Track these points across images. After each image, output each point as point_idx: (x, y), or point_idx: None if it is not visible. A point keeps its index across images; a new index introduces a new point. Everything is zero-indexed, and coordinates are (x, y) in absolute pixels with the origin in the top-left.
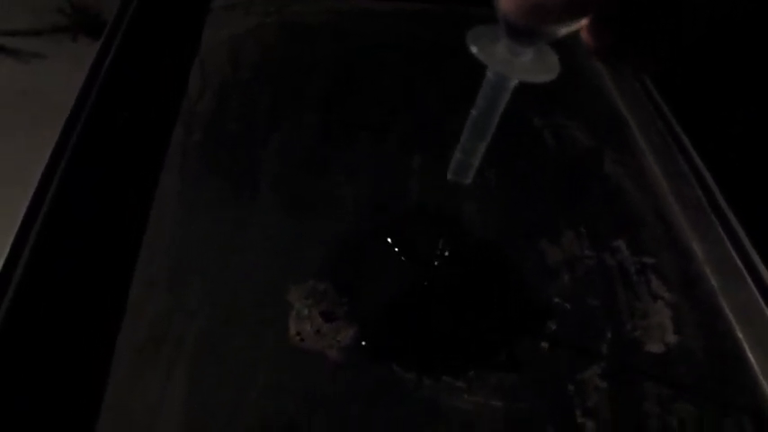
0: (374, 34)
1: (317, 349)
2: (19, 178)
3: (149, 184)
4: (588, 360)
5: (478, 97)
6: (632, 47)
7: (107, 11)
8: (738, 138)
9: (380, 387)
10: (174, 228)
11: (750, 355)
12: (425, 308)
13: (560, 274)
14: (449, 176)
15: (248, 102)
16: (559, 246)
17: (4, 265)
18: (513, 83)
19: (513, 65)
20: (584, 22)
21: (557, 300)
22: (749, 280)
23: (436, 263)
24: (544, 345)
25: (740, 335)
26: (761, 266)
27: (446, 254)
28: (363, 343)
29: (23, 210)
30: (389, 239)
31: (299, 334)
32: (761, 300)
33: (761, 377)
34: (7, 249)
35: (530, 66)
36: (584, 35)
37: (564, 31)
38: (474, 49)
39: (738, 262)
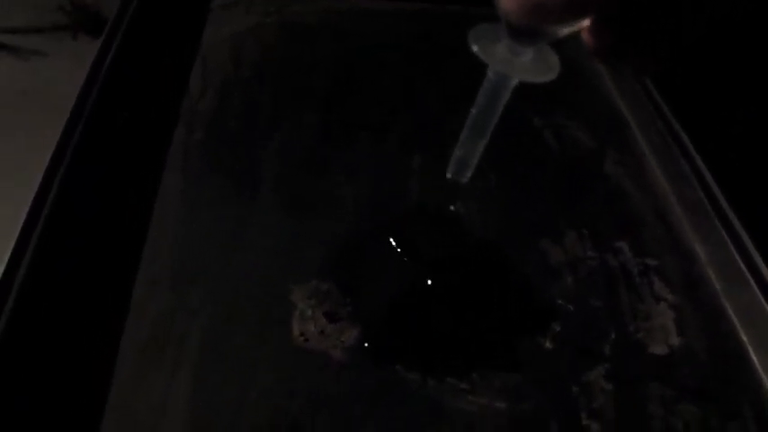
0: (374, 34)
1: (321, 349)
2: (20, 177)
3: (151, 182)
4: (592, 361)
5: (479, 96)
6: (632, 47)
7: (107, 9)
8: (740, 138)
9: (384, 388)
10: (176, 226)
11: (753, 357)
12: (429, 309)
13: (563, 275)
14: (448, 175)
15: (249, 100)
16: (562, 246)
17: (7, 266)
18: (514, 82)
19: (513, 64)
20: (585, 22)
21: (560, 301)
22: (752, 282)
23: (439, 264)
24: (548, 346)
25: (743, 336)
26: (763, 268)
27: (448, 255)
28: (366, 344)
29: (26, 210)
30: (392, 240)
31: (302, 334)
32: (764, 301)
33: (764, 378)
34: (10, 250)
35: (530, 66)
36: (585, 35)
37: (565, 31)
38: (475, 48)
39: (741, 264)
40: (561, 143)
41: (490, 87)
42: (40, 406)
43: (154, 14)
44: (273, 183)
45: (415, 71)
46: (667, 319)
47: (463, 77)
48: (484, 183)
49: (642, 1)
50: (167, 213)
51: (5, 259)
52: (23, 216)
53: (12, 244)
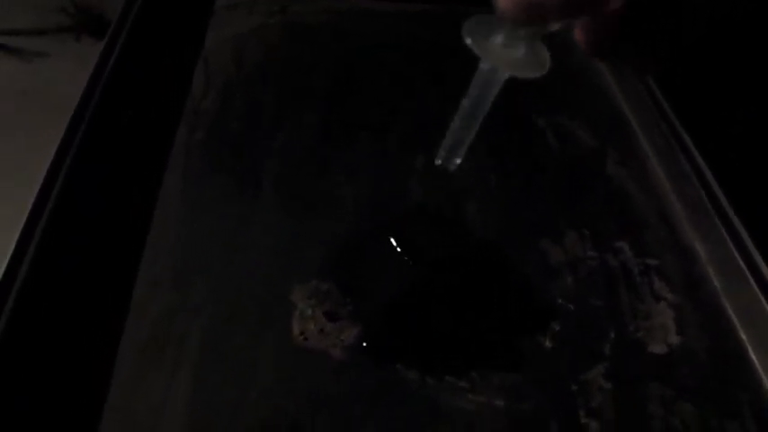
0: (375, 34)
1: (321, 349)
2: (20, 178)
3: (153, 183)
4: (591, 361)
5: (471, 87)
6: (632, 47)
7: (110, 10)
8: (741, 138)
9: (384, 387)
10: (177, 227)
11: (753, 356)
12: (429, 308)
13: (563, 274)
14: (437, 161)
15: (251, 101)
16: (562, 246)
17: (8, 265)
18: (505, 76)
19: (505, 59)
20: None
21: (560, 300)
22: (752, 281)
23: (439, 263)
24: (547, 345)
25: (743, 336)
26: (763, 267)
27: (448, 254)
28: (364, 344)
29: (27, 209)
30: (392, 240)
31: (302, 333)
32: (763, 300)
33: (764, 377)
34: (11, 249)
35: (522, 61)
36: (577, 33)
37: (561, 24)
38: (468, 41)
39: (741, 263)
40: (562, 143)
41: (482, 79)
42: (40, 406)
43: (157, 16)
44: (274, 183)
45: (416, 71)
46: (667, 318)
47: (463, 77)
48: (485, 183)
49: (642, 1)
50: (168, 213)
51: (6, 259)
52: (24, 216)
53: (13, 244)
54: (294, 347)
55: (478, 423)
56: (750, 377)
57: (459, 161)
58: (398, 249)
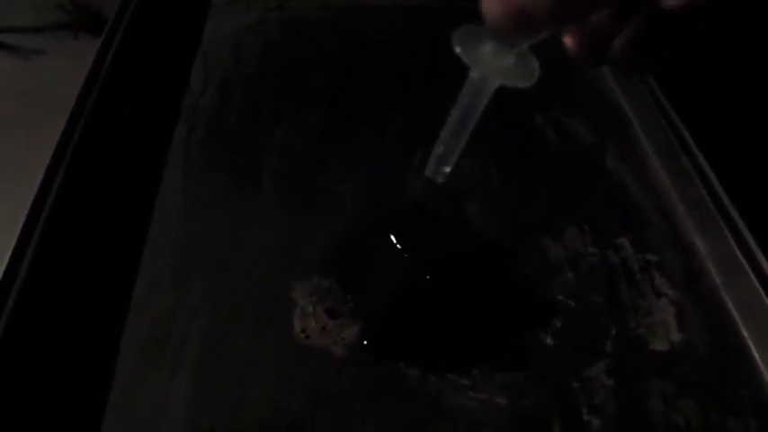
0: (373, 30)
1: (322, 346)
2: (20, 177)
3: (152, 180)
4: (593, 357)
5: (460, 96)
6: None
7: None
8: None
9: (385, 384)
10: (177, 224)
11: (754, 351)
12: (430, 305)
13: (564, 271)
14: (426, 173)
15: (250, 97)
16: (562, 243)
17: (8, 265)
18: (495, 85)
19: (495, 68)
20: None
21: (560, 297)
22: (752, 276)
23: (440, 260)
24: (549, 342)
25: (744, 331)
26: (764, 263)
27: (449, 251)
28: (365, 342)
29: (26, 209)
30: (393, 237)
31: (303, 331)
32: (764, 295)
33: (765, 373)
34: (10, 249)
35: (511, 70)
36: (567, 40)
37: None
38: (458, 50)
39: (741, 258)
40: (562, 140)
41: (472, 89)
42: (40, 406)
43: (154, 12)
44: (274, 180)
45: (414, 67)
46: (668, 314)
47: (461, 74)
48: (485, 180)
49: (643, 1)
50: (168, 211)
51: (6, 259)
52: (23, 216)
53: (12, 244)
54: (294, 345)
55: (480, 420)
56: (751, 372)
57: (448, 171)
58: (398, 246)
